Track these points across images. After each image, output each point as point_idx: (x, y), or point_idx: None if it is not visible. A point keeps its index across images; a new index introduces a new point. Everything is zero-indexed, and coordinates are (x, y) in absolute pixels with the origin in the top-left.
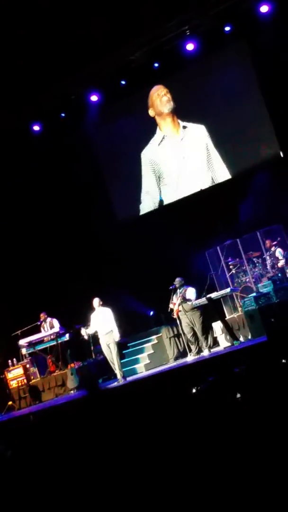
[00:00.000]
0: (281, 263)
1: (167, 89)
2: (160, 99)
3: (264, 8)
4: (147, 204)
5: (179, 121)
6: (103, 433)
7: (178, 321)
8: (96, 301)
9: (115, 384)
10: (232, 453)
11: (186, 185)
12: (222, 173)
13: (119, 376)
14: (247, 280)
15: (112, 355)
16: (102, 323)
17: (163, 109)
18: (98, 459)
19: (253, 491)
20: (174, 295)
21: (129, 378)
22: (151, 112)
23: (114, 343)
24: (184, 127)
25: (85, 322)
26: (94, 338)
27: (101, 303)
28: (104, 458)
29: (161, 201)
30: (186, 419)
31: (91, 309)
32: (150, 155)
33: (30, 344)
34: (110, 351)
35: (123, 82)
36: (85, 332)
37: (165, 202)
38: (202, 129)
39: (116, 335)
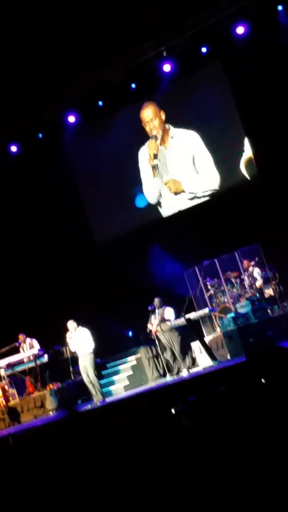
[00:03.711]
0: (259, 283)
1: (155, 110)
2: (148, 128)
3: (240, 30)
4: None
5: (171, 130)
6: (82, 455)
7: (157, 341)
8: (71, 324)
9: (95, 405)
10: (215, 476)
11: (167, 204)
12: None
13: (96, 398)
14: (226, 300)
15: (90, 377)
16: (81, 345)
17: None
18: (78, 481)
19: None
20: (153, 315)
21: (108, 399)
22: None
23: (92, 365)
24: (172, 137)
25: (64, 343)
26: (73, 359)
27: (75, 325)
28: (84, 480)
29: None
30: (166, 440)
31: (65, 331)
32: (141, 159)
33: (9, 366)
34: (87, 373)
35: (100, 103)
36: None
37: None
38: (193, 136)
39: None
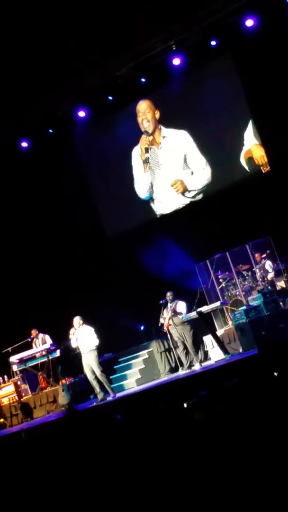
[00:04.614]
0: (270, 275)
1: (155, 107)
2: (141, 120)
3: (249, 22)
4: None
5: (162, 130)
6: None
7: (168, 335)
8: (76, 320)
9: (101, 401)
10: (227, 471)
11: (170, 199)
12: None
13: (100, 396)
14: (237, 293)
15: (96, 374)
16: (84, 342)
17: (142, 128)
18: (90, 476)
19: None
20: (165, 309)
21: (120, 394)
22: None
23: (96, 362)
24: (164, 137)
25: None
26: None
27: (81, 322)
28: (95, 474)
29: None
30: (178, 434)
31: (71, 326)
32: (134, 156)
33: (21, 361)
34: (91, 370)
35: (110, 98)
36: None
37: (159, 212)
38: (184, 135)
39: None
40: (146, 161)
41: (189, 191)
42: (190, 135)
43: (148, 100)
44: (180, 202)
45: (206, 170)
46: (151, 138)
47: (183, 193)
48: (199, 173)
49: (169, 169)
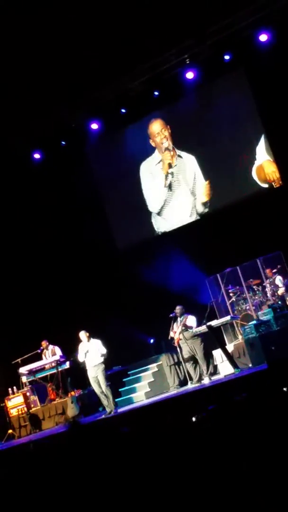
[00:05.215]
0: (281, 290)
1: (166, 125)
2: (160, 139)
3: (263, 37)
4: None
5: (176, 150)
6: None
7: (178, 349)
8: (83, 334)
9: (110, 414)
10: (235, 486)
11: (166, 214)
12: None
13: (109, 408)
14: (247, 307)
15: (102, 387)
16: (92, 356)
17: (162, 147)
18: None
19: None
20: (175, 323)
21: (128, 407)
22: (151, 142)
23: (103, 375)
24: (180, 156)
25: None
26: None
27: (88, 335)
28: (102, 487)
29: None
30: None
31: (78, 340)
32: (145, 170)
33: (31, 372)
34: (98, 383)
35: (123, 110)
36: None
37: (161, 229)
38: (193, 159)
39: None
40: (167, 177)
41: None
42: (198, 158)
43: (159, 119)
44: (184, 221)
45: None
46: (172, 153)
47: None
48: (200, 197)
49: (183, 187)
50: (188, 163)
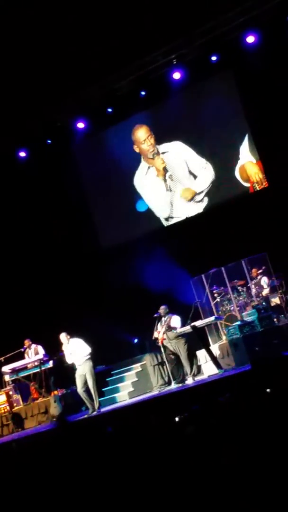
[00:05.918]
0: (265, 291)
1: (147, 129)
2: (147, 146)
3: (250, 39)
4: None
5: (160, 148)
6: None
7: (162, 349)
8: (63, 337)
9: (93, 413)
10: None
11: (176, 213)
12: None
13: (92, 407)
14: (232, 308)
15: (89, 384)
16: (78, 354)
17: (148, 154)
18: (79, 488)
19: None
20: (159, 323)
21: (112, 406)
22: (135, 148)
23: (91, 372)
24: (165, 152)
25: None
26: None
27: (68, 337)
28: (85, 487)
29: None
30: (169, 449)
31: (60, 344)
32: (139, 184)
33: (14, 371)
34: (84, 381)
35: (109, 110)
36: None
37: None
38: (179, 145)
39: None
40: (166, 180)
41: (198, 194)
42: (185, 143)
43: (144, 126)
44: (188, 212)
45: (207, 168)
46: (161, 157)
47: (192, 199)
48: (202, 173)
49: (180, 181)
50: (175, 153)
